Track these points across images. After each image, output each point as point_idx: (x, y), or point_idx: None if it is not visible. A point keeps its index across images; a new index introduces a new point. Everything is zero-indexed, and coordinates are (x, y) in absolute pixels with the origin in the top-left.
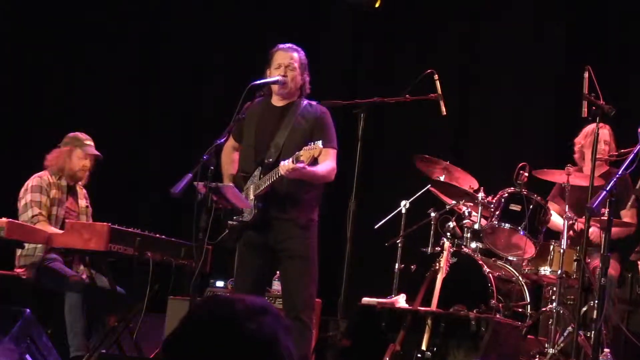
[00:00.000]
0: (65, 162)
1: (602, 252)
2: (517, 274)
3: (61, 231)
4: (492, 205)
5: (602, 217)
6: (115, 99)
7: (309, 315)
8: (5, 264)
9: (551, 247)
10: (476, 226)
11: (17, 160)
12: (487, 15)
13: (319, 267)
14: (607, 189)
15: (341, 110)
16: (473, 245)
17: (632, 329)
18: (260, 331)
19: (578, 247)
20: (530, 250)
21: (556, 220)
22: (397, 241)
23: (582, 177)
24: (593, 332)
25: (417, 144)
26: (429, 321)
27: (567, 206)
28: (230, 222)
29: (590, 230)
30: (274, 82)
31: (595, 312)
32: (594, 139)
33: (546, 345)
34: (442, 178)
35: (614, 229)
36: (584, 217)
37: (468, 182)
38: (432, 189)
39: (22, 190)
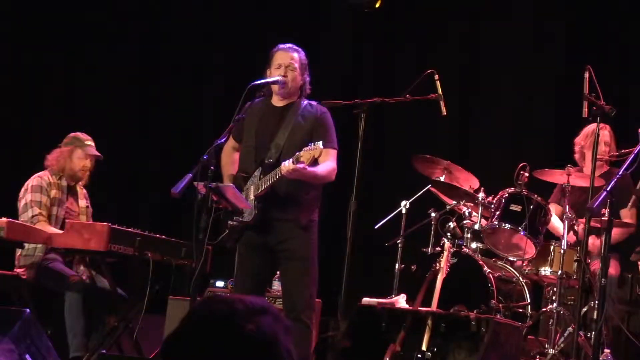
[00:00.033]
0: (65, 162)
1: (602, 252)
2: (518, 275)
3: (61, 231)
4: (493, 206)
5: (602, 218)
6: (115, 99)
7: (309, 316)
8: (5, 264)
9: (551, 247)
10: (476, 226)
11: (17, 160)
12: (487, 15)
13: (319, 267)
14: (608, 189)
15: (341, 110)
16: (473, 245)
17: (632, 330)
18: (260, 331)
19: (578, 248)
20: (531, 250)
21: (556, 223)
22: (398, 241)
23: (582, 177)
24: (593, 332)
25: (417, 144)
26: (429, 321)
27: (567, 206)
28: (230, 222)
29: (590, 241)
30: (274, 82)
31: (595, 312)
32: (595, 139)
33: (546, 345)
34: (442, 178)
35: (614, 234)
36: (584, 217)
37: (469, 181)
38: (432, 189)
39: (23, 190)
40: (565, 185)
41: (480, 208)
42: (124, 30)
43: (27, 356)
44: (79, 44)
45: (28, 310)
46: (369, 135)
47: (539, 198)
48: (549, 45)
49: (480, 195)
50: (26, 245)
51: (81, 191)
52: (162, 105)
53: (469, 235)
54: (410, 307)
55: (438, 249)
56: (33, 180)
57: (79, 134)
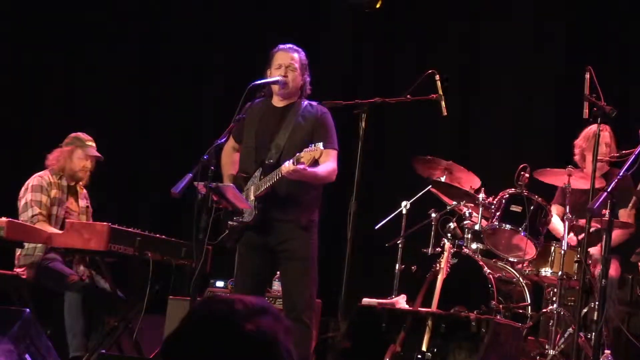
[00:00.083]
0: (66, 162)
1: (602, 253)
2: (518, 275)
3: (61, 231)
4: (493, 206)
5: (603, 218)
6: (115, 99)
7: (309, 316)
8: (5, 264)
9: (552, 248)
10: (477, 227)
11: (17, 160)
12: (487, 15)
13: (319, 267)
14: (608, 190)
15: (342, 110)
16: (474, 246)
17: (632, 331)
18: (259, 331)
19: (579, 249)
20: (531, 251)
21: (556, 224)
22: (398, 242)
23: (583, 177)
24: (594, 333)
25: (417, 144)
26: (430, 322)
27: (567, 207)
28: (230, 222)
29: (592, 251)
30: (275, 82)
31: (595, 313)
32: (595, 140)
33: (546, 346)
34: (443, 179)
35: (614, 236)
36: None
37: (470, 181)
38: (432, 189)
39: (23, 189)
40: (566, 185)
41: (480, 209)
42: (124, 30)
43: (27, 356)
44: (79, 44)
45: (28, 310)
46: (370, 136)
47: (540, 199)
48: (549, 45)
49: (481, 195)
50: (26, 244)
51: (81, 191)
52: (162, 105)
53: (469, 235)
54: (411, 308)
55: (438, 249)
56: (33, 180)
57: (80, 134)
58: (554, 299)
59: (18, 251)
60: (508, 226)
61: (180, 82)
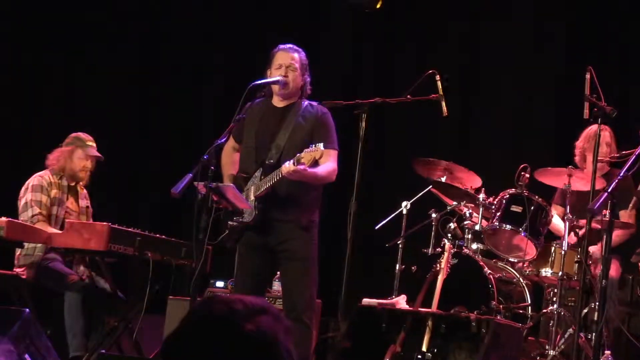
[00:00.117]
0: (66, 162)
1: (603, 253)
2: (518, 276)
3: (61, 231)
4: (493, 207)
5: (603, 219)
6: (115, 99)
7: (309, 316)
8: (5, 264)
9: (552, 248)
10: (477, 227)
11: (17, 160)
12: (487, 15)
13: (319, 267)
14: (609, 190)
15: (342, 110)
16: (474, 246)
17: (633, 331)
18: (259, 331)
19: (579, 249)
20: (532, 251)
21: (557, 223)
22: (398, 242)
23: (583, 176)
24: (594, 334)
25: (418, 144)
26: (430, 322)
27: (568, 207)
28: (230, 222)
29: (592, 249)
30: (275, 82)
31: (596, 314)
32: (596, 140)
33: (547, 347)
34: (443, 179)
35: (614, 236)
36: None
37: (471, 181)
38: (433, 189)
39: (23, 189)
40: (566, 186)
41: (481, 209)
42: (124, 30)
43: (27, 356)
44: (79, 44)
45: (27, 310)
46: (370, 136)
47: (540, 199)
48: (549, 45)
49: (481, 196)
50: (26, 244)
51: (82, 191)
52: (162, 105)
53: (469, 236)
54: (411, 308)
55: (438, 249)
56: (34, 180)
57: (81, 134)
58: (554, 299)
59: (18, 251)
60: (508, 226)
61: (180, 82)
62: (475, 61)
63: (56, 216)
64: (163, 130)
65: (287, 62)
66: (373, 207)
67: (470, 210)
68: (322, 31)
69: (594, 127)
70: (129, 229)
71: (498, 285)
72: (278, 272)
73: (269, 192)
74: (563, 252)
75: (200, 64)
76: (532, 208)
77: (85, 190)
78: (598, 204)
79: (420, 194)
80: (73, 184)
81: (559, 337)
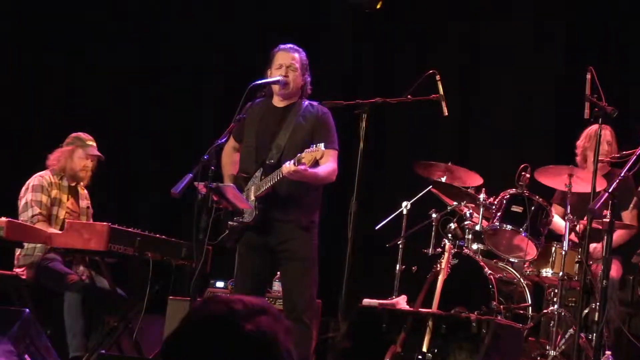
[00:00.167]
0: (66, 162)
1: (603, 254)
2: (519, 276)
3: (61, 231)
4: (494, 207)
5: (603, 220)
6: (115, 99)
7: (309, 317)
8: (5, 264)
9: (553, 248)
10: (477, 227)
11: (17, 160)
12: (487, 15)
13: (320, 267)
14: (610, 190)
15: (342, 110)
16: (474, 246)
17: (633, 332)
18: (259, 331)
19: (580, 249)
20: (532, 251)
21: (558, 222)
22: (398, 242)
23: (584, 175)
24: (594, 334)
25: (418, 144)
26: (430, 323)
27: (568, 207)
28: (230, 222)
29: (593, 246)
30: (275, 82)
31: (596, 314)
32: (597, 140)
33: (547, 347)
34: (443, 179)
35: (615, 236)
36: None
37: (472, 180)
38: (433, 190)
39: (23, 189)
40: (566, 186)
41: (481, 209)
42: (124, 30)
43: (27, 356)
44: (79, 44)
45: (27, 310)
46: (370, 136)
47: (540, 199)
48: (549, 45)
49: (482, 196)
50: (26, 244)
51: (82, 192)
52: (162, 105)
53: (470, 236)
54: (411, 308)
55: (439, 250)
56: (34, 180)
57: (81, 134)
58: (555, 299)
59: (18, 251)
60: (509, 227)
61: (180, 82)
62: (475, 61)
63: (56, 216)
64: (163, 130)
65: (288, 62)
66: (373, 207)
67: (471, 211)
68: (322, 31)
69: (594, 127)
70: (129, 229)
71: (498, 286)
72: (278, 272)
73: (270, 192)
74: (563, 253)
75: (200, 64)
76: (533, 208)
77: (85, 191)
78: (598, 204)
79: (421, 194)
80: (74, 184)
81: (559, 337)
